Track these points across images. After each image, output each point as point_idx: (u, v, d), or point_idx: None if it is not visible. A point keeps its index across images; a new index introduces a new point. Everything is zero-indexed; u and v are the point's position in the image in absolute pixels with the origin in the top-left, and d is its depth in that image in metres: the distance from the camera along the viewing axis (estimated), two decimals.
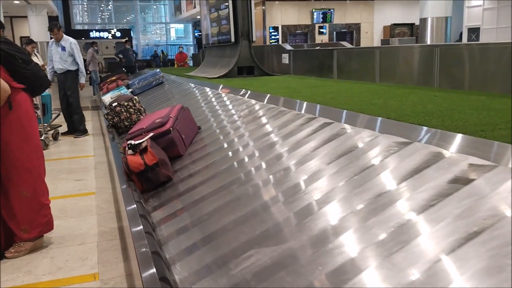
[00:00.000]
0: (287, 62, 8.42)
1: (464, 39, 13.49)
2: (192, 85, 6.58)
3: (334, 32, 20.13)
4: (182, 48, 19.68)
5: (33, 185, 2.96)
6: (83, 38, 21.38)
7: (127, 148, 3.05)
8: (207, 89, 5.70)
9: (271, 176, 2.44)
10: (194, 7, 20.12)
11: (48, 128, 6.89)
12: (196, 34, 25.22)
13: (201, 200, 2.54)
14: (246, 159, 2.86)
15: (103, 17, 29.18)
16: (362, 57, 6.43)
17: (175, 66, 17.79)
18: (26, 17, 17.20)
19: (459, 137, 1.99)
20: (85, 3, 28.11)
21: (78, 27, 26.80)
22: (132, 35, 25.58)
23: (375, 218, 1.64)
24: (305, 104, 3.47)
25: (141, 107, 5.00)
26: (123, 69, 11.90)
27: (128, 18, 29.15)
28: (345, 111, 3.00)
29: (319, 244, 1.65)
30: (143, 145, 2.99)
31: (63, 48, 7.00)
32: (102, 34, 24.60)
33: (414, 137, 2.14)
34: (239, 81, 6.72)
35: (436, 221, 1.48)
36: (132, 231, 2.16)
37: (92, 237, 3.22)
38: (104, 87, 8.02)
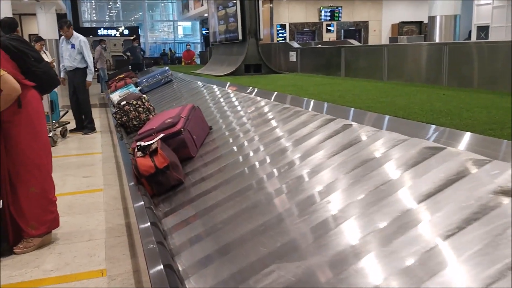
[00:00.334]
0: (294, 60, 8.41)
1: (473, 38, 13.39)
2: (200, 83, 6.57)
3: (342, 30, 20.05)
4: (190, 46, 19.71)
5: (42, 182, 2.99)
6: (91, 36, 21.46)
7: (136, 150, 2.92)
8: (216, 87, 5.69)
9: (289, 182, 2.28)
10: (202, 5, 20.15)
11: (56, 125, 6.93)
12: (203, 32, 25.26)
13: (215, 206, 2.39)
14: (261, 163, 2.71)
15: (111, 14, 29.31)
16: (370, 55, 6.40)
17: (182, 63, 17.84)
18: (34, 14, 17.29)
19: (467, 136, 1.97)
20: (93, 1, 28.24)
21: (86, 24, 26.94)
22: (139, 32, 25.67)
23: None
24: (312, 102, 3.46)
25: (150, 106, 4.90)
26: (129, 67, 11.91)
27: (136, 16, 29.26)
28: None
29: (348, 262, 1.49)
30: (153, 146, 2.86)
31: (73, 46, 7.04)
32: (110, 31, 24.71)
33: (422, 135, 2.13)
34: (246, 79, 6.72)
35: None
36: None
37: (99, 234, 3.24)
38: (112, 85, 8.00)
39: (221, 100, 4.94)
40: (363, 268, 1.44)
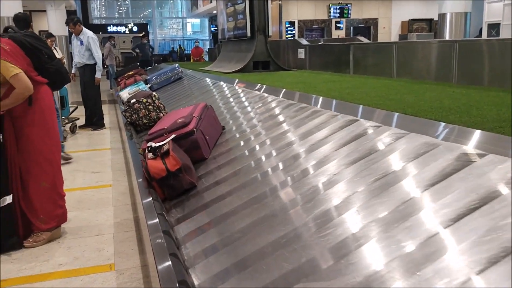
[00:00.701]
0: (303, 57, 8.39)
1: (484, 35, 13.26)
2: (209, 80, 6.56)
3: (351, 27, 19.95)
4: (198, 42, 19.72)
5: (53, 177, 3.03)
6: (100, 33, 21.48)
7: (146, 151, 2.78)
8: (224, 85, 5.68)
9: (310, 188, 2.11)
10: (211, 2, 20.15)
11: (66, 121, 6.98)
12: (212, 28, 25.27)
13: (231, 213, 2.23)
14: (278, 167, 2.54)
15: (120, 11, 29.40)
16: (379, 52, 6.37)
17: (191, 60, 17.85)
18: (45, 11, 17.42)
19: (477, 133, 1.96)
20: None
21: (96, 21, 27.04)
22: (149, 29, 25.72)
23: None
24: (321, 99, 3.46)
25: (161, 104, 4.76)
26: (137, 63, 11.92)
27: (145, 13, 29.33)
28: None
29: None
30: (165, 148, 2.72)
31: (81, 42, 7.07)
32: (119, 28, 24.74)
33: (431, 133, 2.12)
34: (255, 75, 6.72)
35: None
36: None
37: (108, 228, 3.26)
38: (122, 82, 7.96)
39: (234, 98, 4.82)
40: None
